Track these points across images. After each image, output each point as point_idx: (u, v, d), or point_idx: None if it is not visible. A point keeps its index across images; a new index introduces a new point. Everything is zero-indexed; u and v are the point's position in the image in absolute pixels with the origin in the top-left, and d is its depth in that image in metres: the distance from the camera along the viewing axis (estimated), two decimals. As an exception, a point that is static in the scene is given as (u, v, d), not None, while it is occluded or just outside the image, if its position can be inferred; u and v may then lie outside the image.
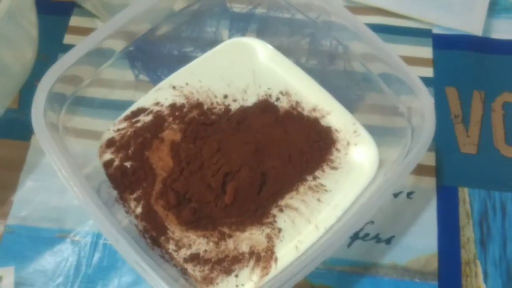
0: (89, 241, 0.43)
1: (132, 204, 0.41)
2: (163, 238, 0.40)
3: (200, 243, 0.40)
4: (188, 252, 0.39)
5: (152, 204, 0.41)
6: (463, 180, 0.45)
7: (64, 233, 0.43)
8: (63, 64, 0.39)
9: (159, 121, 0.45)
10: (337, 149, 0.43)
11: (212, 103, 0.46)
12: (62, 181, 0.35)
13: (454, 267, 0.42)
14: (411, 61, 0.49)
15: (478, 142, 0.47)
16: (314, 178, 0.42)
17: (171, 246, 0.39)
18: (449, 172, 0.46)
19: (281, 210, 0.41)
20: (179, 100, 0.46)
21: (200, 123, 0.44)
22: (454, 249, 0.43)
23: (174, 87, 0.47)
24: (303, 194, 0.41)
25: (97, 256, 0.42)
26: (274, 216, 0.41)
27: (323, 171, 0.42)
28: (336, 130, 0.44)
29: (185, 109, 0.45)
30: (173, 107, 0.45)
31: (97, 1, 0.50)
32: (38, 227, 0.43)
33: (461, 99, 0.48)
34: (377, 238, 0.43)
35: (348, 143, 0.44)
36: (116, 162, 0.43)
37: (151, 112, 0.45)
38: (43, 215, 0.44)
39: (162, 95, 0.46)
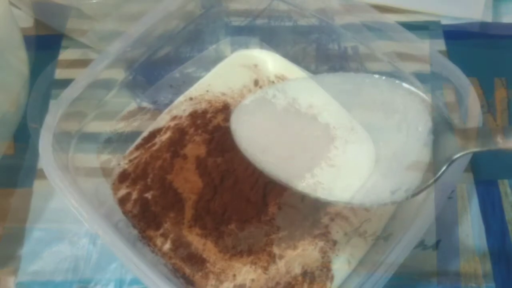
0: (112, 290, 0.39)
1: (159, 241, 0.37)
2: (200, 274, 0.36)
3: (246, 272, 0.36)
4: (232, 285, 0.35)
5: (185, 235, 0.37)
6: (501, 172, 0.43)
7: (83, 284, 0.39)
8: (65, 100, 0.36)
9: (179, 135, 0.41)
10: None
11: (240, 102, 0.42)
12: (86, 226, 0.31)
13: (509, 265, 0.39)
14: (425, 55, 0.48)
15: (508, 130, 0.45)
16: None
17: (211, 282, 0.36)
18: (485, 165, 0.43)
19: (331, 219, 0.38)
20: (200, 107, 0.43)
21: (227, 131, 0.41)
22: (506, 246, 0.40)
23: (191, 99, 0.43)
24: None
25: (123, 305, 0.38)
26: (326, 226, 0.37)
27: None
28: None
29: (208, 115, 0.42)
30: (193, 115, 0.42)
31: (89, 31, 0.47)
32: (54, 281, 0.39)
33: (483, 88, 0.46)
34: (423, 245, 0.40)
35: None
36: (134, 196, 0.39)
37: (168, 128, 0.42)
38: (57, 267, 0.40)
39: (179, 108, 0.43)
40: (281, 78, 0.45)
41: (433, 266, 0.39)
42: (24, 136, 0.44)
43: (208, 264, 0.36)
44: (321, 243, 0.37)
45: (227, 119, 0.42)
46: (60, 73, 0.49)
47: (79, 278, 0.39)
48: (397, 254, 0.31)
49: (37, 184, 0.43)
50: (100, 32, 0.47)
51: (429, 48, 0.39)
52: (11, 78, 0.43)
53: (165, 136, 0.41)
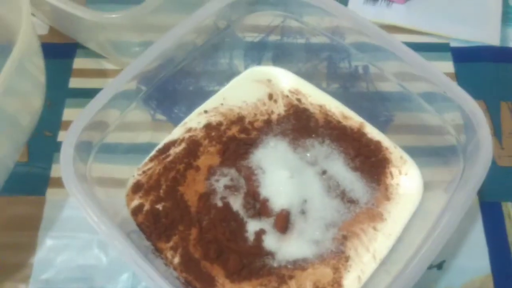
0: (123, 299, 0.39)
1: (169, 254, 0.38)
2: (211, 289, 0.36)
3: None
4: None
5: (192, 252, 0.38)
6: (505, 195, 0.44)
7: (94, 293, 0.39)
8: (91, 110, 0.36)
9: (193, 147, 0.42)
10: (391, 174, 0.41)
11: (255, 114, 0.44)
12: (103, 237, 0.32)
13: (511, 286, 0.40)
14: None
15: (513, 153, 0.46)
16: (367, 203, 0.40)
17: None
18: (489, 187, 0.43)
19: (344, 237, 0.38)
20: (215, 119, 0.43)
21: (242, 143, 0.42)
22: (508, 267, 0.41)
23: (206, 111, 0.44)
24: (359, 219, 0.39)
25: (134, 315, 0.39)
26: (340, 243, 0.38)
27: (376, 197, 0.40)
28: (386, 148, 0.42)
29: (222, 127, 0.43)
30: (208, 127, 0.43)
31: (105, 41, 0.47)
32: (65, 290, 0.40)
33: (490, 111, 0.47)
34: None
35: (400, 172, 0.41)
36: (146, 207, 0.39)
37: (182, 140, 0.42)
38: (69, 276, 0.40)
39: (193, 121, 0.44)
40: (295, 93, 0.46)
41: (438, 285, 0.40)
42: (38, 144, 0.45)
43: (218, 284, 0.36)
44: (333, 260, 0.37)
45: (242, 130, 0.43)
46: (74, 82, 0.49)
47: (90, 287, 0.40)
48: (406, 278, 0.32)
49: (50, 192, 0.43)
50: (114, 43, 0.47)
51: (438, 70, 0.40)
52: (28, 86, 0.43)
53: (179, 148, 0.42)
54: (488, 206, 0.43)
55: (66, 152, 0.34)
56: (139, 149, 0.43)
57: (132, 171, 0.42)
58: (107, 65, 0.50)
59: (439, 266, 0.41)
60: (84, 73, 0.50)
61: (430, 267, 0.41)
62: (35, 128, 0.45)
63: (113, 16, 0.41)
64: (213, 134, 0.42)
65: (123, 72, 0.38)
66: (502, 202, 0.43)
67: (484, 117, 0.36)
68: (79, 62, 0.50)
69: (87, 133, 0.36)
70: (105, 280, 0.40)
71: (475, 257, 0.41)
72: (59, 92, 0.48)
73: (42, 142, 0.45)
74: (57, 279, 0.40)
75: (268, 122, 0.43)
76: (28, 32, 0.39)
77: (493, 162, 0.45)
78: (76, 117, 0.36)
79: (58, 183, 0.34)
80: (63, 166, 0.34)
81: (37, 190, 0.43)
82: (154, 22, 0.45)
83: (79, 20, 0.43)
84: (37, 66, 0.44)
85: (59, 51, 0.50)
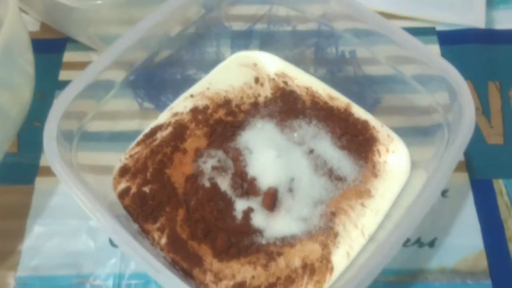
0: (111, 284, 0.39)
1: (156, 235, 0.38)
2: (197, 269, 0.36)
3: (246, 271, 0.36)
4: (231, 283, 0.35)
5: (179, 233, 0.37)
6: (496, 172, 0.44)
7: (83, 279, 0.39)
8: (65, 99, 0.36)
9: (180, 130, 0.42)
10: (378, 152, 0.41)
11: (242, 97, 0.44)
12: (97, 223, 0.32)
13: (504, 263, 0.40)
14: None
15: (503, 132, 0.45)
16: (354, 180, 0.40)
17: (208, 278, 0.36)
18: (480, 165, 0.44)
19: (332, 213, 0.38)
20: (202, 103, 0.43)
21: (229, 125, 0.42)
22: (501, 244, 0.41)
23: (192, 96, 0.44)
24: (347, 196, 0.39)
25: (122, 298, 0.38)
26: (328, 219, 0.38)
27: (363, 174, 0.40)
28: (373, 127, 0.42)
29: (209, 110, 0.43)
30: (194, 111, 0.43)
31: (94, 34, 0.48)
32: (53, 276, 0.39)
33: (477, 91, 0.47)
34: (419, 243, 0.40)
35: (387, 150, 0.41)
36: (133, 190, 0.39)
37: (169, 124, 0.42)
38: (57, 262, 0.40)
39: (180, 105, 0.44)
40: (282, 76, 0.46)
41: (430, 263, 0.40)
42: (27, 135, 0.45)
43: (205, 263, 0.36)
44: (322, 237, 0.37)
45: (228, 113, 0.43)
46: (63, 75, 0.50)
47: (78, 273, 0.39)
48: (388, 248, 0.31)
49: (39, 181, 0.43)
50: (104, 36, 0.48)
51: (428, 50, 0.39)
52: (18, 78, 0.44)
53: (166, 132, 0.42)
54: (479, 183, 0.43)
55: (49, 138, 0.34)
56: (126, 137, 0.43)
57: (119, 157, 0.42)
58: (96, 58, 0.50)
59: (431, 244, 0.40)
60: (74, 66, 0.50)
61: (422, 245, 0.41)
62: (25, 119, 0.45)
63: (98, 2, 0.42)
64: (199, 117, 0.42)
65: (96, 61, 0.38)
66: (493, 179, 0.43)
67: (465, 83, 0.36)
68: (69, 56, 0.51)
69: (65, 122, 0.36)
70: (94, 265, 0.40)
71: (468, 235, 0.41)
72: (49, 84, 0.49)
73: (32, 133, 0.45)
74: (45, 265, 0.40)
75: (255, 105, 0.43)
76: (14, 24, 0.39)
77: (483, 141, 0.45)
78: (54, 105, 0.36)
79: (47, 172, 0.34)
80: (48, 150, 0.34)
81: (27, 179, 0.44)
82: (141, 13, 0.45)
83: (68, 11, 0.44)
84: (26, 59, 0.44)
85: (50, 46, 0.51)
